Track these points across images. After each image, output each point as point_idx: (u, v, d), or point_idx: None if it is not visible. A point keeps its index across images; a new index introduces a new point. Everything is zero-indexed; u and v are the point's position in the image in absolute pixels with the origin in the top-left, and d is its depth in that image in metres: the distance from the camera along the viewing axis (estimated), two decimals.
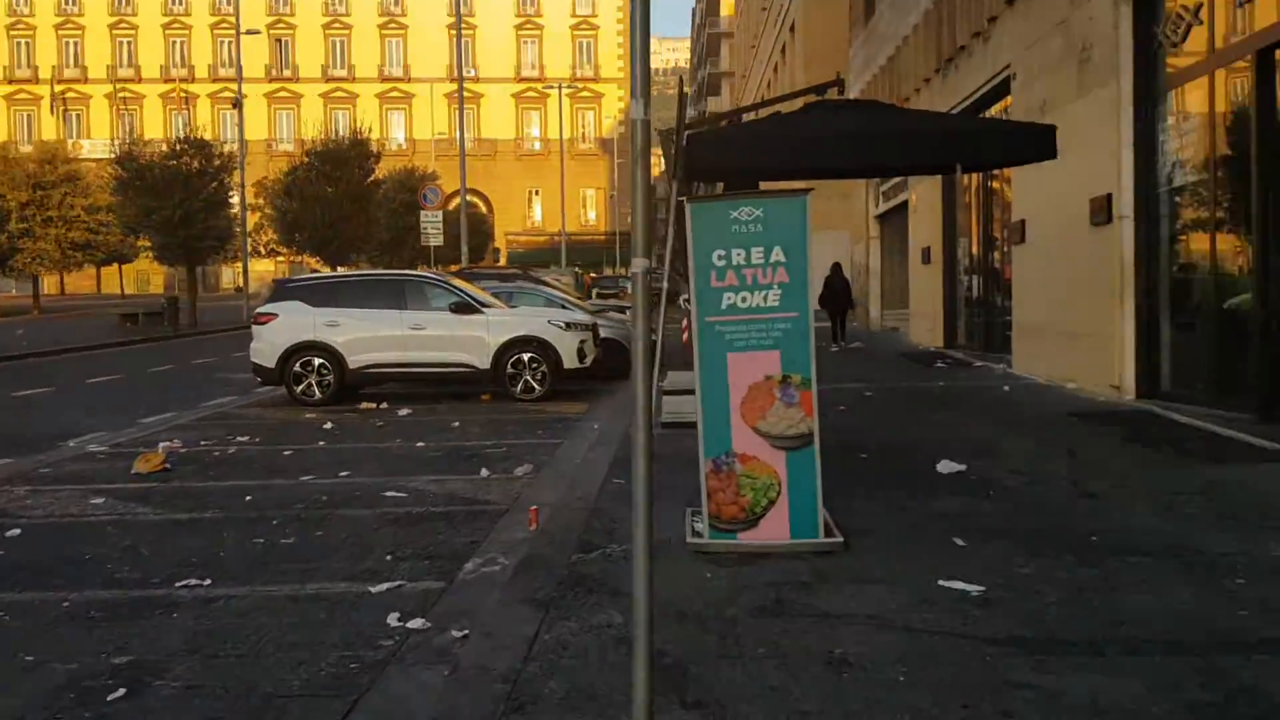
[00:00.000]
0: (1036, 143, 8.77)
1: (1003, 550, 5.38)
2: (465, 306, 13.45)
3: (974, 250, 18.11)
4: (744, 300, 5.46)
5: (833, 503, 6.34)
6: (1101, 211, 11.24)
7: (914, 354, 18.08)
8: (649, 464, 3.22)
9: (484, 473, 8.41)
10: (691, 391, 5.83)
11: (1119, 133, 10.92)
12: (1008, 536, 5.65)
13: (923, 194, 20.07)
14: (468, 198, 77.91)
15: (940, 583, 4.81)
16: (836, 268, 21.54)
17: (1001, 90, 14.96)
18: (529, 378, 13.37)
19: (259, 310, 14.25)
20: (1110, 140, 11.05)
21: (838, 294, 21.03)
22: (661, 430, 9.55)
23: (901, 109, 11.31)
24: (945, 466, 7.56)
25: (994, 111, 15.77)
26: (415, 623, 4.71)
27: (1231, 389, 9.50)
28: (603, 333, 15.56)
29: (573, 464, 8.56)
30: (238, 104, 41.33)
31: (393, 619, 4.80)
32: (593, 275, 50.52)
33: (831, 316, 20.76)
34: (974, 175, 17.32)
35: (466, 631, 4.50)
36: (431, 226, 23.59)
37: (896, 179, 22.47)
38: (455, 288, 13.83)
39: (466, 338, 13.36)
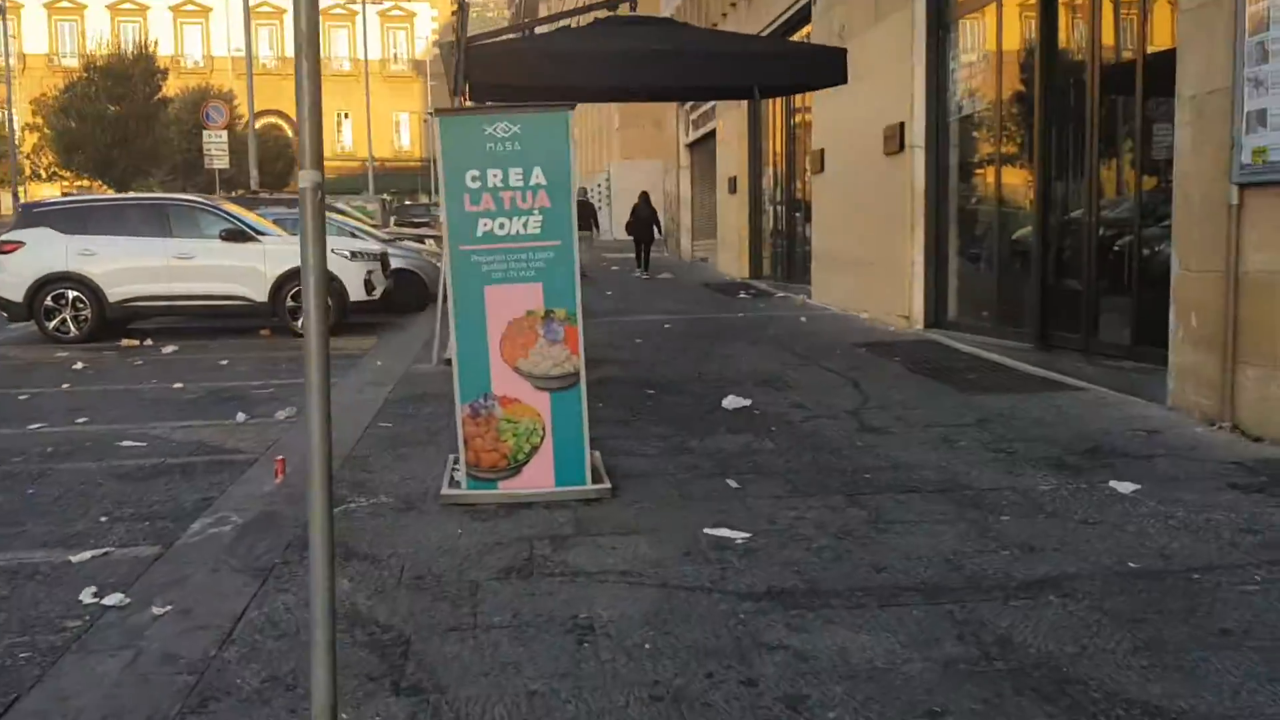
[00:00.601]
0: (827, 67, 8.54)
1: (775, 491, 5.13)
2: (238, 234, 12.40)
3: (778, 180, 18.08)
4: (501, 227, 4.95)
5: (611, 444, 6.01)
6: (894, 140, 11.21)
7: (719, 284, 18.01)
8: (326, 459, 2.68)
9: (240, 417, 7.66)
10: None
11: (912, 60, 10.86)
12: (783, 476, 5.42)
13: (730, 123, 19.90)
14: (272, 120, 73.33)
15: (706, 530, 4.51)
16: (644, 197, 21.56)
17: (805, 15, 14.78)
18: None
19: (1, 238, 12.78)
20: (904, 68, 10.99)
21: (643, 223, 21.23)
22: (444, 367, 9.00)
23: (693, 28, 10.89)
24: (731, 402, 7.32)
25: (797, 38, 15.61)
26: (112, 599, 4.06)
27: (1014, 319, 9.66)
28: (396, 263, 14.78)
29: (341, 406, 7.87)
30: (0, 10, 37.42)
31: (87, 595, 4.14)
32: (408, 202, 48.67)
33: (636, 245, 21.23)
34: (778, 104, 17.22)
35: (168, 608, 3.90)
36: (216, 148, 21.90)
37: (706, 106, 22.25)
38: (227, 213, 12.73)
39: (240, 268, 12.34)
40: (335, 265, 12.52)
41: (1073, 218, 8.95)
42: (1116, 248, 8.40)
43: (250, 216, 13.30)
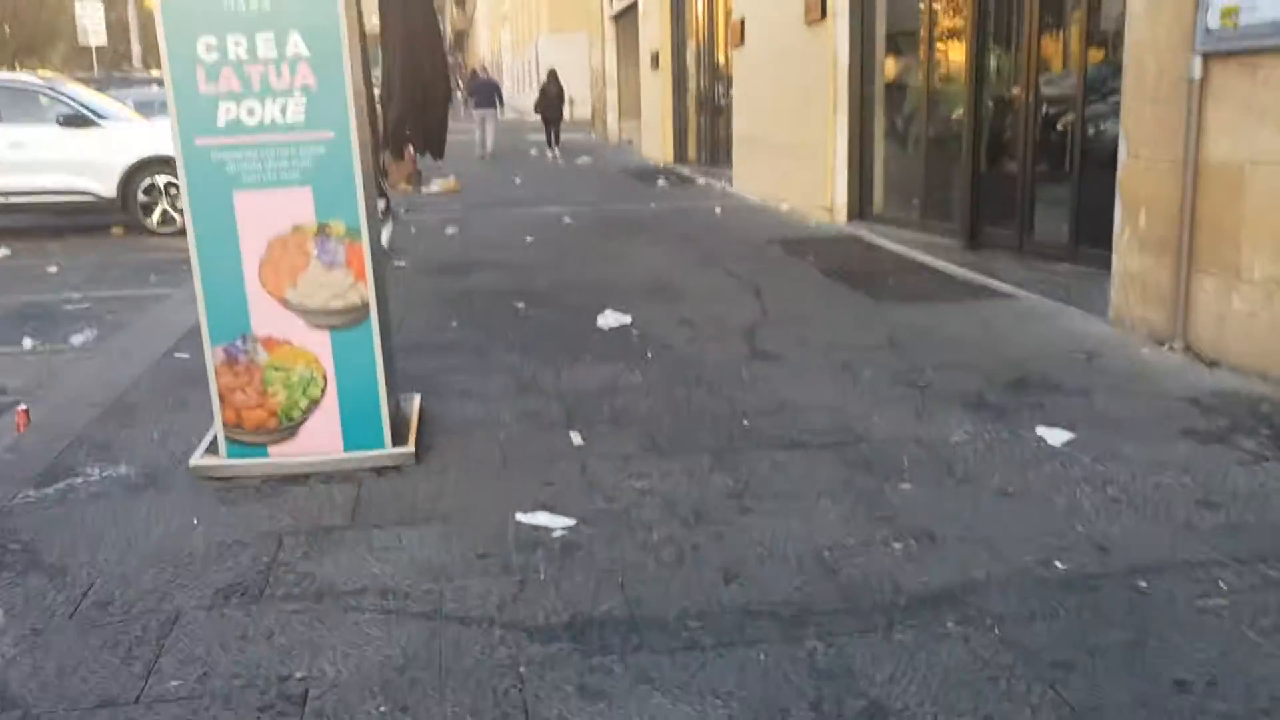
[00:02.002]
0: None
1: (628, 449, 4.09)
2: (78, 119, 10.88)
3: (702, 55, 16.65)
4: (251, 113, 3.72)
5: (447, 380, 4.95)
6: (816, 7, 9.93)
7: (639, 170, 16.73)
8: None
9: (27, 343, 6.44)
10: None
11: None
12: (643, 425, 4.38)
13: None
14: None
15: (520, 516, 3.46)
16: (552, 74, 21.12)
17: None
18: (167, 206, 11.08)
19: None
20: None
21: (551, 101, 21.10)
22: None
23: None
24: (608, 319, 6.23)
25: None
26: None
27: (943, 212, 8.61)
28: None
29: (156, 328, 6.68)
30: None
31: None
32: None
33: (545, 124, 21.15)
34: None
35: None
36: (91, 23, 19.83)
37: None
38: (66, 95, 11.15)
39: (83, 159, 10.86)
40: None
41: (1009, 96, 7.83)
42: (1057, 130, 7.32)
43: (97, 99, 11.73)
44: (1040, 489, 3.61)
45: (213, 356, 3.87)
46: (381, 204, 10.94)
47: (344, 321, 3.92)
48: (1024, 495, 3.56)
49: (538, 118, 21.87)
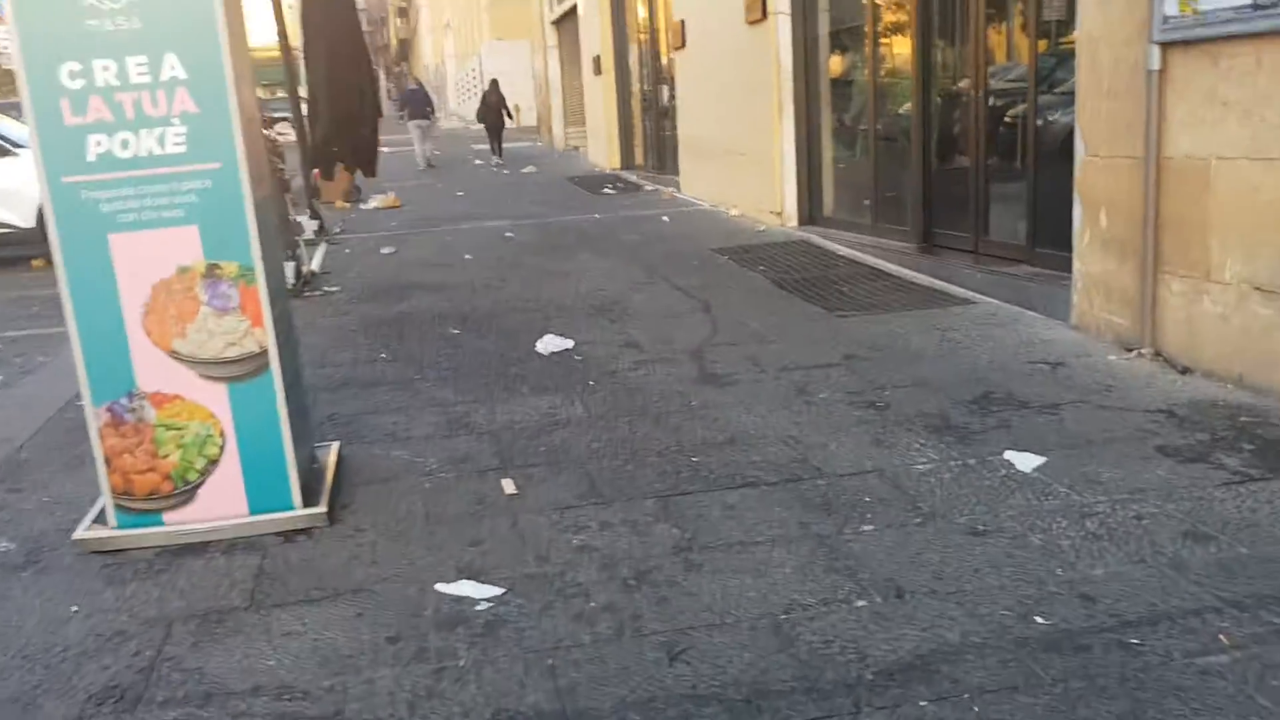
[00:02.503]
0: None
1: (566, 496, 3.74)
2: None
3: (645, 58, 16.33)
4: (125, 146, 3.33)
5: (371, 422, 4.56)
6: (756, 6, 9.63)
7: (585, 178, 16.37)
8: None
9: None
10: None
11: None
12: (583, 467, 4.02)
13: None
14: None
15: (441, 587, 3.10)
16: (493, 83, 21.26)
17: None
18: None
19: None
20: None
21: (493, 110, 21.24)
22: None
23: None
24: (548, 344, 5.88)
25: None
26: None
27: (896, 214, 8.33)
28: None
29: (63, 373, 6.21)
30: None
31: None
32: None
33: (489, 132, 21.43)
34: None
35: None
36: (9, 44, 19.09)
37: None
38: None
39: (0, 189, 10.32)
40: None
41: (957, 90, 7.57)
42: (1009, 124, 7.06)
43: (14, 126, 11.18)
44: (1013, 525, 3.30)
45: (95, 417, 3.47)
46: (314, 225, 10.51)
47: (242, 372, 3.53)
48: (996, 533, 3.25)
49: (482, 127, 21.63)
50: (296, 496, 3.62)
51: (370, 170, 9.70)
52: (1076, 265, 5.52)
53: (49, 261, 10.12)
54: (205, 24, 3.30)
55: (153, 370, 3.47)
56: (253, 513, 3.59)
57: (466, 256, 9.16)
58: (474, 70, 38.12)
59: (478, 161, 21.35)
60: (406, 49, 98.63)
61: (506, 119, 21.62)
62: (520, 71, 29.71)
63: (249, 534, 3.54)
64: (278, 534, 3.54)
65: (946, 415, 4.36)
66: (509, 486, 3.86)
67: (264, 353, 3.53)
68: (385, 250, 9.70)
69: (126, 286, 3.41)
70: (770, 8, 9.41)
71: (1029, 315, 5.91)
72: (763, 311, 6.47)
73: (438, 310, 7.03)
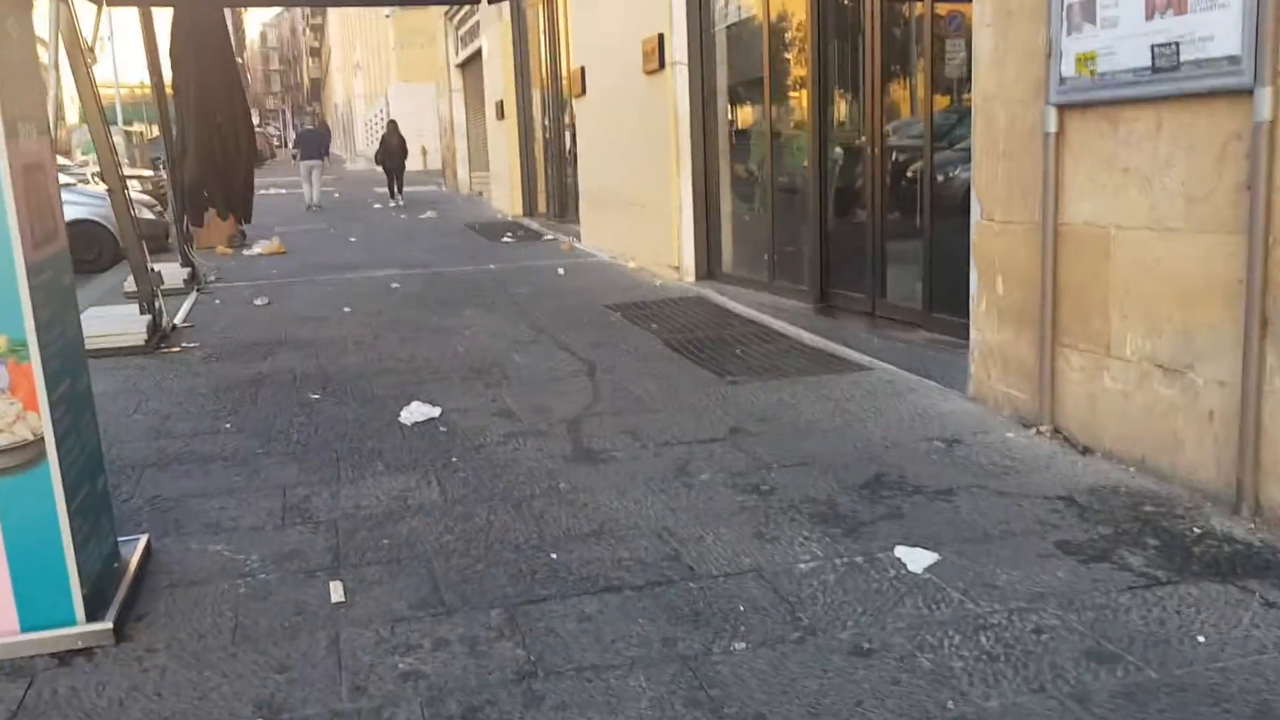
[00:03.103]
0: None
1: (400, 606, 3.26)
2: None
3: (547, 104, 16.02)
4: None
5: (200, 508, 4.04)
6: (654, 56, 9.37)
7: (485, 224, 15.93)
8: None
9: None
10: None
11: None
12: (427, 564, 3.55)
13: (493, 38, 17.64)
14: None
15: None
16: (392, 125, 21.61)
17: None
18: None
19: None
20: None
21: (393, 152, 21.18)
22: None
23: None
24: (413, 413, 5.40)
25: None
26: None
27: (793, 271, 8.06)
28: (75, 212, 12.04)
29: None
30: None
31: None
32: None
33: (387, 174, 21.33)
34: (541, 14, 15.11)
35: None
36: None
37: (473, 19, 19.86)
38: None
39: None
40: None
41: (855, 146, 7.35)
42: (907, 181, 6.85)
43: None
44: (901, 643, 2.92)
45: None
46: (186, 272, 9.88)
47: (12, 463, 2.99)
48: (882, 653, 2.87)
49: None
50: (79, 609, 3.08)
51: (244, 216, 9.15)
52: (973, 333, 5.25)
53: None
54: None
55: None
56: (24, 629, 3.03)
57: (345, 309, 8.63)
58: (382, 111, 37.54)
59: (376, 206, 20.78)
60: (318, 88, 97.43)
61: (406, 161, 21.55)
62: (427, 114, 29.27)
63: (18, 655, 2.99)
64: (53, 655, 3.00)
65: (834, 502, 4.00)
66: (336, 592, 3.36)
67: (39, 441, 3.00)
68: (258, 301, 9.11)
69: None
70: (668, 58, 9.15)
71: (926, 384, 5.63)
72: (650, 376, 6.09)
73: (302, 371, 6.50)
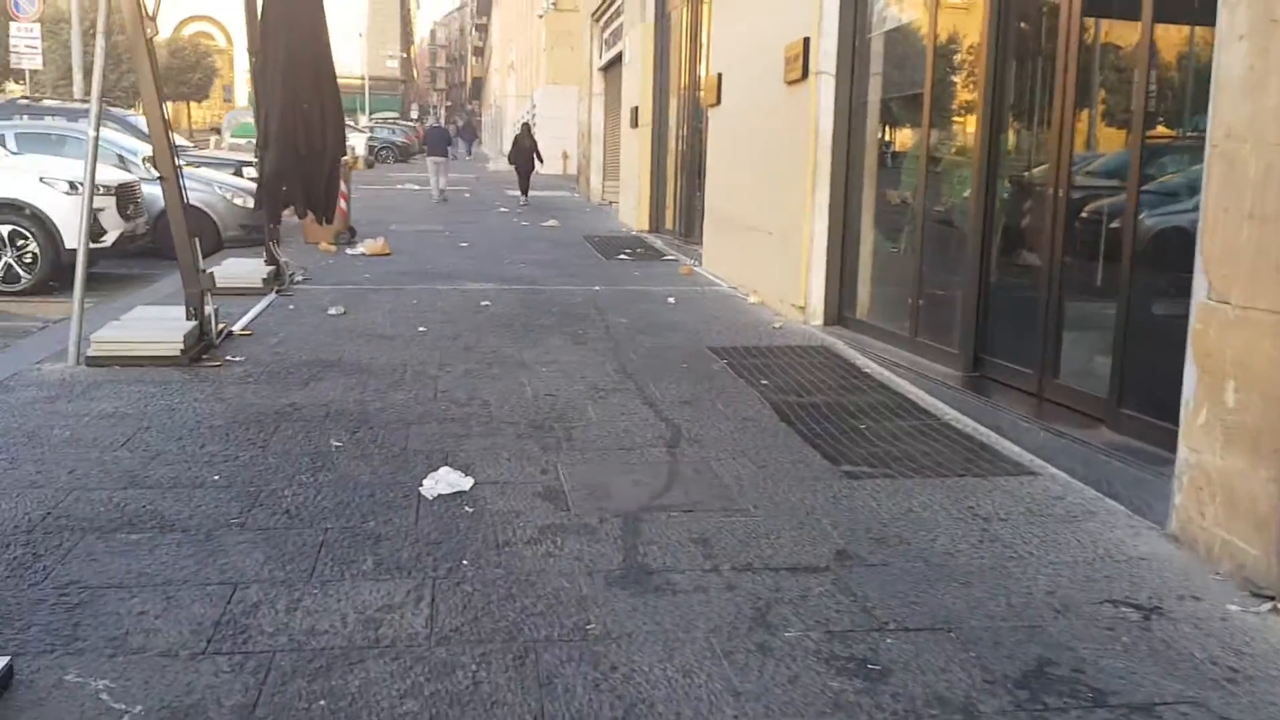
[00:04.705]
0: None
1: None
2: None
3: (684, 114, 14.88)
4: None
5: (114, 607, 3.09)
6: (797, 64, 8.12)
7: (604, 238, 14.90)
8: None
9: None
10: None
11: None
12: None
13: (635, 40, 16.63)
14: (204, 26, 69.32)
15: None
16: (525, 127, 22.09)
17: None
18: (11, 260, 9.25)
19: None
20: None
21: (523, 152, 21.37)
22: (84, 367, 5.98)
23: None
24: (439, 483, 4.31)
25: None
26: None
27: (941, 328, 6.69)
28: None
29: None
30: None
31: None
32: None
33: (518, 173, 21.51)
34: (686, 18, 14.02)
35: None
36: (25, 44, 18.25)
37: (618, 21, 18.92)
38: None
39: None
40: (43, 200, 9.29)
41: (1032, 183, 5.96)
42: (1099, 234, 5.43)
43: None
44: None
45: None
46: (269, 270, 9.11)
47: None
48: None
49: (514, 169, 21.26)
50: None
51: (325, 215, 8.28)
52: (1183, 450, 3.85)
53: None
54: None
55: None
56: None
57: (420, 329, 7.65)
58: (529, 112, 37.20)
59: (501, 209, 20.03)
60: (479, 87, 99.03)
61: (537, 163, 21.74)
62: (569, 118, 28.60)
63: None
64: None
65: (974, 710, 2.71)
66: None
67: None
68: (332, 310, 8.22)
69: None
70: (813, 66, 7.90)
71: (1109, 507, 4.24)
72: (745, 455, 4.85)
73: (338, 406, 5.50)
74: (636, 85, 16.32)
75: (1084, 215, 5.49)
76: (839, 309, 7.98)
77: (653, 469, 4.63)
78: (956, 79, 6.91)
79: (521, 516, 4.01)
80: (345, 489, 4.25)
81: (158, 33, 6.27)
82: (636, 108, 16.32)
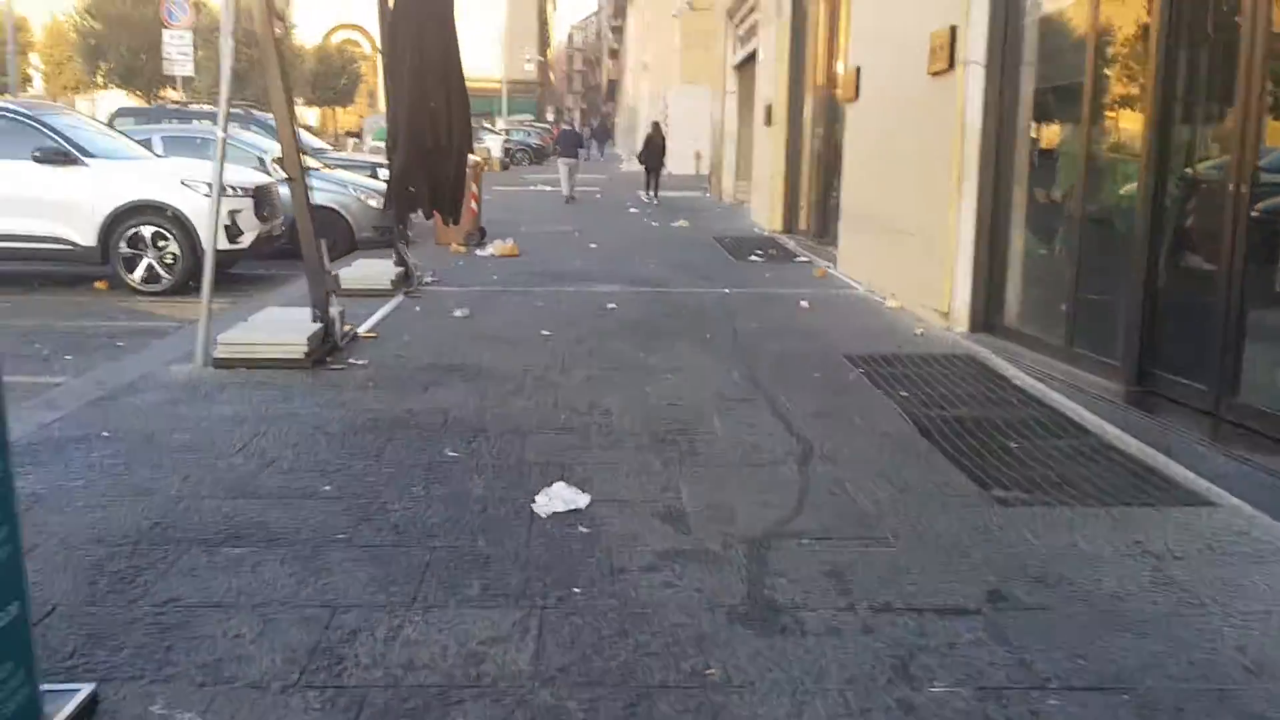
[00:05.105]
0: None
1: None
2: (58, 155, 9.40)
3: (820, 111, 14.41)
4: None
5: (207, 629, 2.92)
6: (942, 53, 7.64)
7: (735, 239, 14.53)
8: None
9: None
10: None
11: None
12: None
13: (769, 36, 16.22)
14: (351, 34, 71.35)
15: None
16: (655, 126, 22.41)
17: None
18: (153, 261, 9.48)
19: None
20: None
21: (654, 151, 21.70)
22: (214, 369, 5.99)
23: None
24: (553, 500, 4.07)
25: None
26: None
27: (1102, 337, 6.14)
28: (317, 199, 11.65)
29: None
30: None
31: None
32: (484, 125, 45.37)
33: (646, 172, 21.92)
34: (823, 11, 13.56)
35: None
36: (178, 51, 18.96)
37: (753, 18, 18.54)
38: (48, 127, 9.69)
39: (60, 201, 9.38)
40: (184, 202, 9.49)
41: (1208, 181, 5.39)
42: None
43: (91, 133, 10.30)
44: None
45: None
46: (398, 271, 9.10)
47: None
48: None
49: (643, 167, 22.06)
50: None
51: (451, 215, 8.19)
52: None
53: (111, 284, 8.96)
54: None
55: None
56: None
57: (544, 332, 7.47)
58: (662, 112, 37.09)
59: (631, 210, 19.86)
60: (614, 90, 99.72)
61: (666, 162, 22.45)
62: (702, 117, 28.34)
63: None
64: None
65: None
66: None
67: None
68: (458, 313, 8.12)
69: None
70: (960, 55, 7.41)
71: None
72: (884, 476, 4.47)
73: (456, 414, 5.33)
74: (771, 82, 15.92)
75: (1267, 214, 4.90)
76: (986, 315, 7.45)
77: (782, 488, 4.29)
78: (1121, 67, 6.34)
79: (639, 539, 3.73)
80: (457, 504, 4.05)
81: (286, 32, 6.23)
82: (770, 105, 15.93)
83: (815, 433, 5.07)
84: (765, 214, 16.32)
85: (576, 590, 3.31)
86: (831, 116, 13.62)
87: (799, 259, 12.41)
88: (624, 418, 5.30)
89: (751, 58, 19.04)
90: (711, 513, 4.00)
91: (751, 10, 18.47)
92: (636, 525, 3.86)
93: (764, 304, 8.95)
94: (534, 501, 4.04)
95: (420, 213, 8.52)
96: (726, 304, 8.94)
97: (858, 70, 10.28)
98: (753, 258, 12.38)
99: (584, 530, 3.81)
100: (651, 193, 21.52)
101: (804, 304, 8.89)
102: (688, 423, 5.22)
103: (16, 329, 7.72)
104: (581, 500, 4.06)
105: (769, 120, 16.10)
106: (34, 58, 41.26)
